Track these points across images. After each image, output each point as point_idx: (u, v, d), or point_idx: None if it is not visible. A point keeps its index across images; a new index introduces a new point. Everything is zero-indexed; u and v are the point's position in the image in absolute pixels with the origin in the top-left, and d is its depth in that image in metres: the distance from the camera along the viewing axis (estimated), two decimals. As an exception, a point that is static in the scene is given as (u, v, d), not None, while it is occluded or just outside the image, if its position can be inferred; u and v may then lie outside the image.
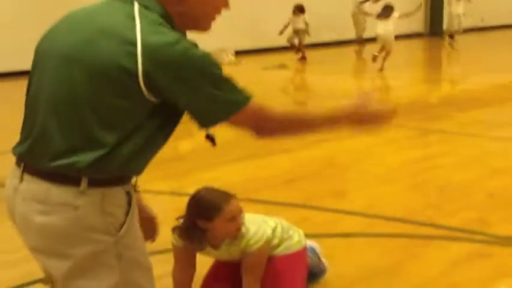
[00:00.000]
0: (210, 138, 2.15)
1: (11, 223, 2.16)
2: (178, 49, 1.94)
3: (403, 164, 6.34)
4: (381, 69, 12.97)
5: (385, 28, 13.06)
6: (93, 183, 1.98)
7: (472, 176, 5.84)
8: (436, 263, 4.00)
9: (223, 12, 2.19)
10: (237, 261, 3.33)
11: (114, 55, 1.93)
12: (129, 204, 2.06)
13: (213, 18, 2.18)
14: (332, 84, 11.56)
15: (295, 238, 3.46)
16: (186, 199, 3.26)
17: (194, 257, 3.36)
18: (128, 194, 2.07)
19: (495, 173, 5.94)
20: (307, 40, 15.09)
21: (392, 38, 13.20)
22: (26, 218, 2.03)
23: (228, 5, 2.18)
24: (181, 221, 3.24)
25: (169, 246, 3.34)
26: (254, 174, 6.06)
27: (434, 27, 21.31)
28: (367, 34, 16.19)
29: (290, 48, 14.87)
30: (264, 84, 11.81)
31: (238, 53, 13.99)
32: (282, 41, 14.82)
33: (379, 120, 2.24)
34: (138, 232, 2.13)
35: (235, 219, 3.16)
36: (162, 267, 3.29)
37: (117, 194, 2.03)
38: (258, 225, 3.29)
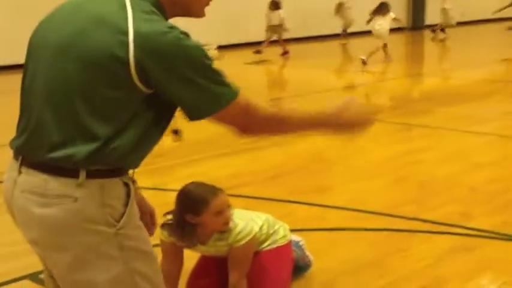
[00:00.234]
0: (175, 133, 2.15)
1: (9, 216, 2.16)
2: (170, 38, 1.93)
3: (387, 159, 6.39)
4: (390, 60, 13.49)
5: (380, 24, 13.39)
6: (92, 175, 1.98)
7: (454, 171, 5.89)
8: (420, 257, 4.04)
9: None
10: (224, 256, 3.35)
11: (106, 44, 1.93)
12: (128, 195, 2.06)
13: (207, 4, 2.17)
14: (315, 78, 11.59)
15: (281, 233, 3.49)
16: (169, 194, 3.25)
17: (181, 251, 3.38)
18: (127, 185, 2.07)
19: (477, 167, 6.00)
20: (291, 34, 15.11)
21: (387, 33, 13.61)
22: (25, 210, 2.03)
23: None
24: (169, 216, 3.26)
25: (156, 241, 3.34)
26: (239, 169, 6.08)
27: (417, 22, 21.43)
28: (353, 28, 16.38)
29: (270, 43, 14.80)
30: (246, 79, 11.83)
31: (220, 48, 13.97)
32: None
33: (361, 124, 2.27)
34: (139, 222, 2.13)
35: (223, 213, 3.17)
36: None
37: (115, 185, 2.03)
38: (246, 222, 3.31)
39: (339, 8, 16.76)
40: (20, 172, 2.05)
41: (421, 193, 5.32)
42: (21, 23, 10.99)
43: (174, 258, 3.36)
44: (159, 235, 3.29)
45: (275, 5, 14.68)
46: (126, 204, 2.05)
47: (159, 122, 2.07)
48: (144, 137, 2.04)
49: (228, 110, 2.02)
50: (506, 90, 10.41)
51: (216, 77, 2.00)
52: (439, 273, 3.83)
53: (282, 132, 2.22)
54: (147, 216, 2.64)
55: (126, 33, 1.93)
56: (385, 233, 4.46)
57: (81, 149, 1.96)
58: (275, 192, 5.30)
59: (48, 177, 1.98)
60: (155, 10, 2.02)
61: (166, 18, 2.07)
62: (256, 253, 3.39)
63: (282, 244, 3.47)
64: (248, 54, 14.12)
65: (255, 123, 2.10)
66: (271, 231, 3.45)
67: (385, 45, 13.61)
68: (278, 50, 14.80)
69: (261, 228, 3.39)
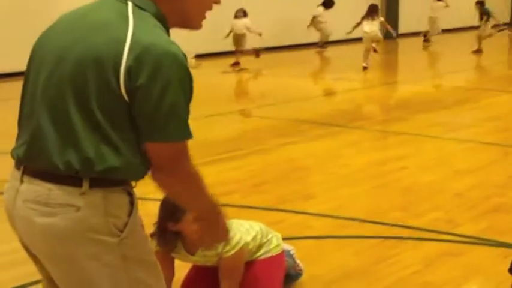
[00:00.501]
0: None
1: (8, 225, 2.13)
2: (167, 51, 1.93)
3: (367, 166, 6.41)
4: (369, 65, 13.41)
5: (371, 28, 13.54)
6: (95, 184, 1.96)
7: (436, 178, 5.94)
8: (408, 263, 4.06)
9: None
10: (215, 265, 3.34)
11: (103, 52, 1.93)
12: (131, 204, 2.05)
13: (204, 17, 2.17)
14: (293, 86, 11.61)
15: (274, 242, 3.49)
16: (152, 204, 3.26)
17: (172, 261, 3.37)
18: (130, 194, 2.06)
19: (458, 174, 6.05)
20: (268, 43, 15.06)
21: (380, 36, 13.92)
22: (28, 220, 2.00)
23: (219, 0, 2.17)
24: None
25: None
26: (223, 177, 6.04)
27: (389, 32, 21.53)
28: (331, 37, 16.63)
29: (244, 52, 14.44)
30: (223, 88, 11.83)
31: (198, 57, 13.92)
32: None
33: (223, 232, 2.26)
34: (141, 231, 2.12)
35: None
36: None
37: (119, 194, 2.02)
38: (234, 232, 3.29)
39: (312, 21, 16.84)
40: (22, 181, 2.03)
41: (405, 200, 5.35)
42: (21, 31, 10.95)
43: (164, 267, 3.27)
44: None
45: (243, 13, 14.16)
46: (130, 214, 2.03)
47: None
48: (137, 149, 1.99)
49: (174, 146, 1.98)
50: (480, 97, 10.53)
51: (183, 112, 1.96)
52: (428, 280, 3.85)
53: (185, 195, 2.13)
54: None
55: (124, 41, 1.92)
56: (372, 240, 4.48)
57: (79, 157, 1.94)
58: (259, 200, 5.29)
59: (52, 186, 1.97)
60: (156, 22, 2.02)
61: (168, 29, 2.07)
62: (250, 262, 3.38)
63: (276, 253, 3.47)
64: (226, 63, 14.08)
65: (175, 172, 2.03)
66: (264, 240, 3.45)
67: (374, 50, 13.84)
68: (256, 59, 14.59)
69: (254, 238, 3.39)
